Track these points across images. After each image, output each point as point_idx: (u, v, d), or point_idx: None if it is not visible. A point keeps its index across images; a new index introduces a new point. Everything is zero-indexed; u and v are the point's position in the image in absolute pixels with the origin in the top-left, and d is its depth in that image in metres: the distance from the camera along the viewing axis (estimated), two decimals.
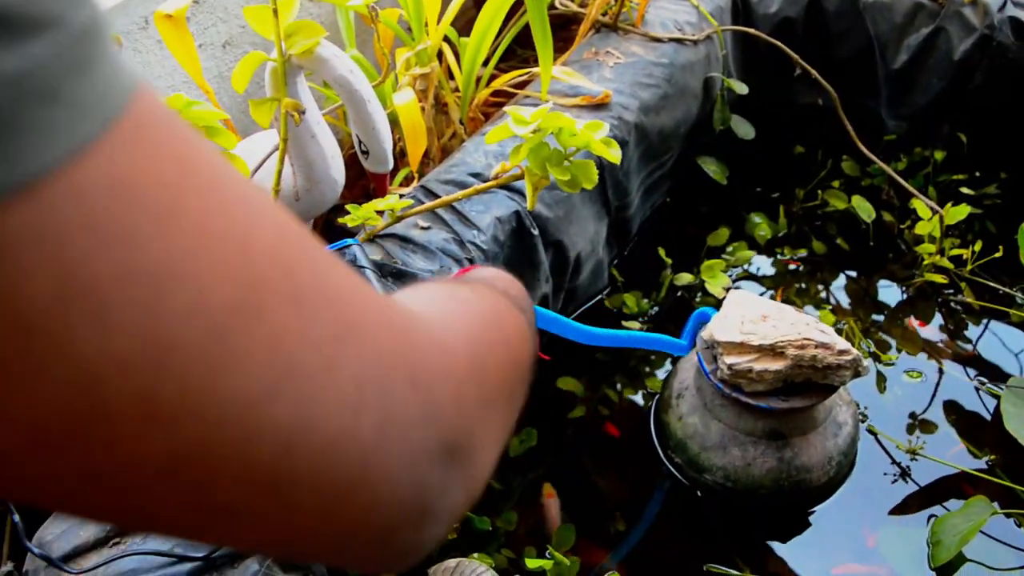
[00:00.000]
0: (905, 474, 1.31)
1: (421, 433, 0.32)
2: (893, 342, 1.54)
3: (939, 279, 1.60)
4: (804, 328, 1.18)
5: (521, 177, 0.95)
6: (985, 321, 1.59)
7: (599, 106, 1.43)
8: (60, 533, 0.81)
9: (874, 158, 1.72)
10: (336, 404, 0.27)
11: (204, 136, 0.80)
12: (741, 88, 1.73)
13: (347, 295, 0.29)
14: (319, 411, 0.27)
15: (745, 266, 1.70)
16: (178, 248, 0.23)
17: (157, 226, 0.23)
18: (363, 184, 1.65)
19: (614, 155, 0.91)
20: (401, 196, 1.21)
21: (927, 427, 1.39)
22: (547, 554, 1.19)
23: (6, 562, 1.06)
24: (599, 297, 1.58)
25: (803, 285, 1.67)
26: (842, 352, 1.16)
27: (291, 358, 0.26)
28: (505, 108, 1.01)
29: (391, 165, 1.17)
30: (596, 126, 0.91)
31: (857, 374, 1.18)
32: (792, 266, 1.71)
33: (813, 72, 1.70)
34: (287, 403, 0.25)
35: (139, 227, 0.23)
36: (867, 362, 1.22)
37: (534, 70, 1.51)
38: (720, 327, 1.20)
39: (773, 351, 1.17)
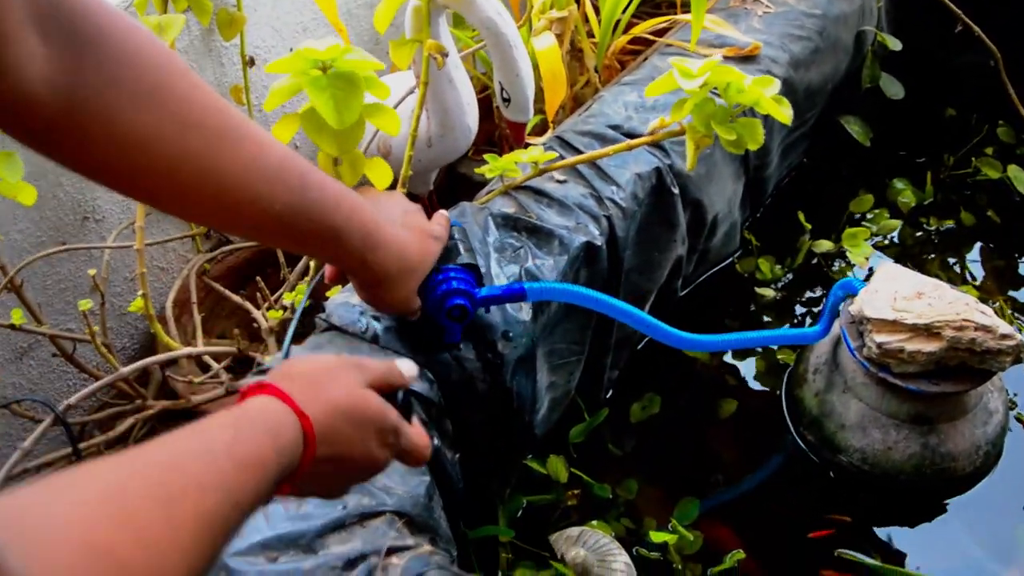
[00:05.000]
0: None
1: None
2: None
3: None
4: (963, 308, 1.09)
5: (679, 134, 0.88)
6: None
7: (746, 58, 1.34)
8: None
9: None
10: None
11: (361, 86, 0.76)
12: (895, 44, 1.61)
13: None
14: None
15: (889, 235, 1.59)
16: None
17: None
18: (487, 130, 1.60)
19: (785, 115, 0.84)
20: (536, 147, 1.16)
21: None
22: (669, 527, 1.14)
23: None
24: (730, 260, 1.51)
25: (946, 258, 1.56)
26: (1004, 336, 1.07)
27: None
28: (656, 59, 0.94)
29: (532, 114, 1.12)
30: (766, 82, 0.84)
31: (1019, 360, 1.09)
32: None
33: (976, 29, 1.57)
34: None
35: None
36: None
37: (676, 17, 1.42)
38: (870, 302, 1.12)
39: (928, 331, 1.08)
